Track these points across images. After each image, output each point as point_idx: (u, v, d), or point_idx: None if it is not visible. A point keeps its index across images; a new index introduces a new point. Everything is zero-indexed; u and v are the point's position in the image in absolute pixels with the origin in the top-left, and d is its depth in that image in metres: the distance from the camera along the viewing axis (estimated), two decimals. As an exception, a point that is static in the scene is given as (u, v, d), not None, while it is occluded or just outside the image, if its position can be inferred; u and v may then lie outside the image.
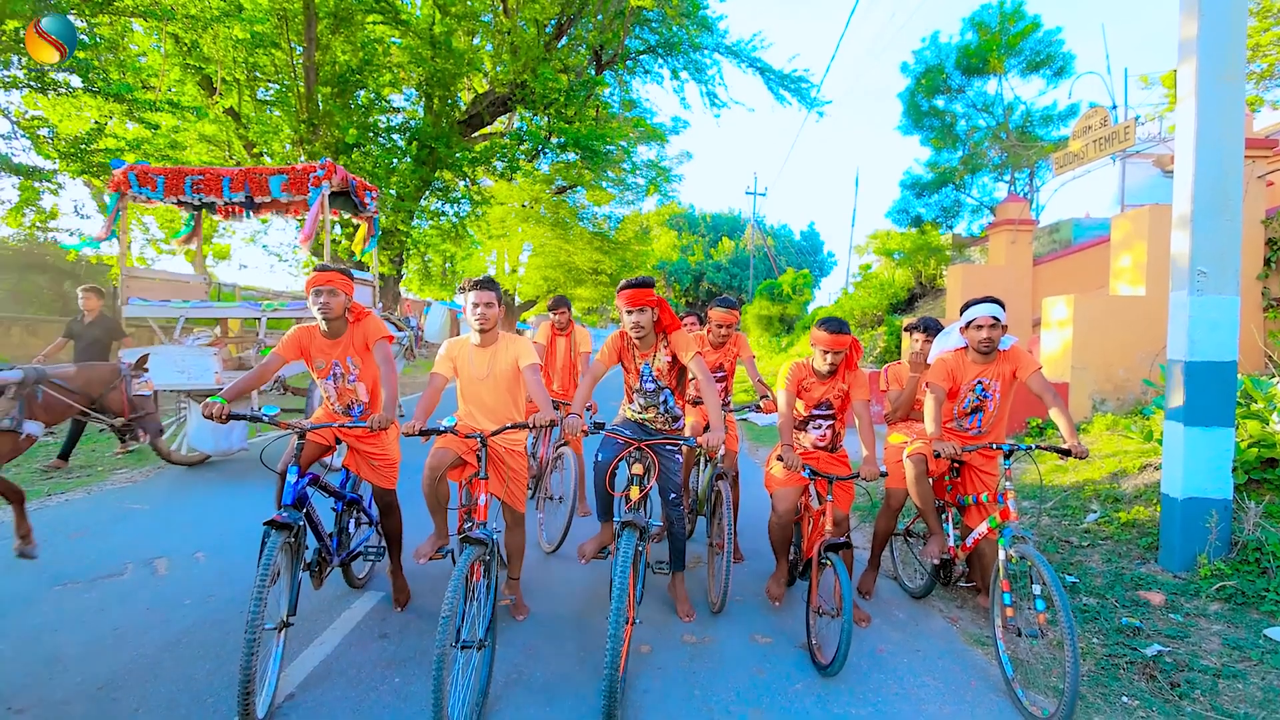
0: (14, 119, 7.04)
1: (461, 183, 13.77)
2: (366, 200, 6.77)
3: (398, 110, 12.99)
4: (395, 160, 10.71)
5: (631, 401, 3.22)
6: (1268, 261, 7.05)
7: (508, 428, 2.78)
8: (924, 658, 2.99)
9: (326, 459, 3.56)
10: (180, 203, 6.18)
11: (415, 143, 11.86)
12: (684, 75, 12.77)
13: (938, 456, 2.96)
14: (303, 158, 11.00)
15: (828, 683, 2.73)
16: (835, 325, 3.08)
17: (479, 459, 2.75)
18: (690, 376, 3.60)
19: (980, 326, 3.10)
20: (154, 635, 2.96)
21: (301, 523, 2.64)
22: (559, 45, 12.87)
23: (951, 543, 3.24)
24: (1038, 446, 2.93)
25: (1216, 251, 3.56)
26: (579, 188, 20.77)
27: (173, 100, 8.20)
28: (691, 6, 11.54)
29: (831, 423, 3.29)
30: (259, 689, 2.27)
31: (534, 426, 2.70)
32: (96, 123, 7.57)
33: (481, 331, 3.02)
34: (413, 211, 12.90)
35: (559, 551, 4.11)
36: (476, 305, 2.97)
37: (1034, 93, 20.10)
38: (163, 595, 3.39)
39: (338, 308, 3.00)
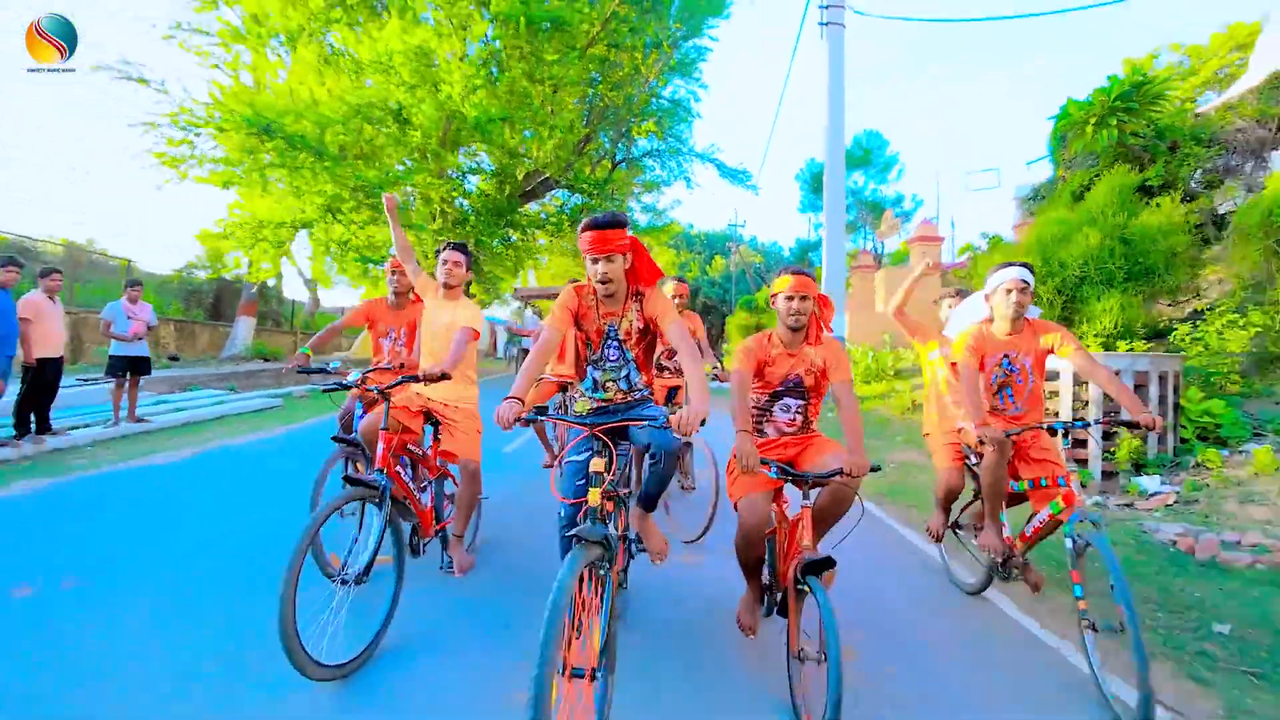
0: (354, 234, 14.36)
1: (519, 232, 21.02)
2: None
3: (483, 186, 20.30)
4: (492, 226, 17.91)
5: (584, 379, 2.67)
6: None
7: (400, 381, 2.85)
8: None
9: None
10: None
11: (490, 211, 19.08)
12: (670, 166, 20.60)
13: (981, 443, 2.84)
14: (434, 229, 18.05)
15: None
16: (799, 269, 2.64)
17: (400, 413, 3.11)
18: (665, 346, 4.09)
19: (1010, 290, 2.95)
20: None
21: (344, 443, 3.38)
22: (586, 147, 20.16)
23: (1009, 532, 3.01)
24: (1100, 422, 2.80)
25: (833, 291, 10.52)
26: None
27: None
28: (677, 125, 19.42)
29: (803, 404, 2.68)
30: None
31: (423, 378, 2.77)
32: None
33: (447, 286, 3.40)
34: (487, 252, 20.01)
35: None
36: (447, 262, 3.38)
37: (885, 185, 34.21)
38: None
39: (404, 287, 3.90)
